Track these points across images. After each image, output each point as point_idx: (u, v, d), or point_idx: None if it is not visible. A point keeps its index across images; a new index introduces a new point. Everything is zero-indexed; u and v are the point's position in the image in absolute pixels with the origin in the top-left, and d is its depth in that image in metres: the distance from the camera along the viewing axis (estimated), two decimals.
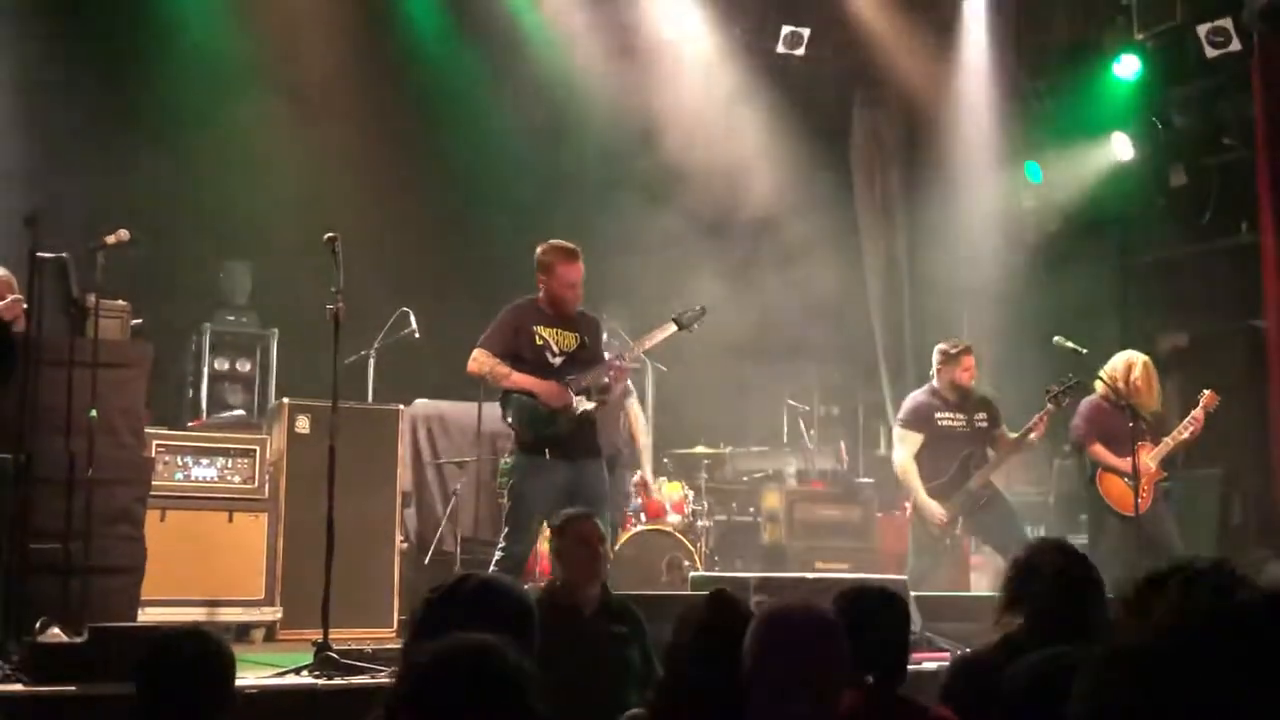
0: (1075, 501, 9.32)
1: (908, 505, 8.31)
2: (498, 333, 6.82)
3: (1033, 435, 8.03)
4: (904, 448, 8.16)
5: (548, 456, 6.69)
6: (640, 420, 9.14)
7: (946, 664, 4.40)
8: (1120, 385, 7.89)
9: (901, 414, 8.35)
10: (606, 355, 7.08)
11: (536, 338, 6.79)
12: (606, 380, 6.93)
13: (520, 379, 6.71)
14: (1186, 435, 8.00)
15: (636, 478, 9.07)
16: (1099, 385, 7.93)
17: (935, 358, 8.26)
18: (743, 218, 10.74)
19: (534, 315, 6.87)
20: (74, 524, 5.80)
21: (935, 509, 7.94)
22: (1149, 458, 7.89)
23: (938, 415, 8.12)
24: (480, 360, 6.76)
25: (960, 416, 8.12)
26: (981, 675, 3.33)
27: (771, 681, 2.77)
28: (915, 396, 8.38)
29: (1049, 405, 7.96)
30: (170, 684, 3.21)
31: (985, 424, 8.16)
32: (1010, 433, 8.14)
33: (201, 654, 3.27)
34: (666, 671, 3.48)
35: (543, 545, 7.66)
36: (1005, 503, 8.26)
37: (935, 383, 8.23)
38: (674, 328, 7.14)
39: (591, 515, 5.43)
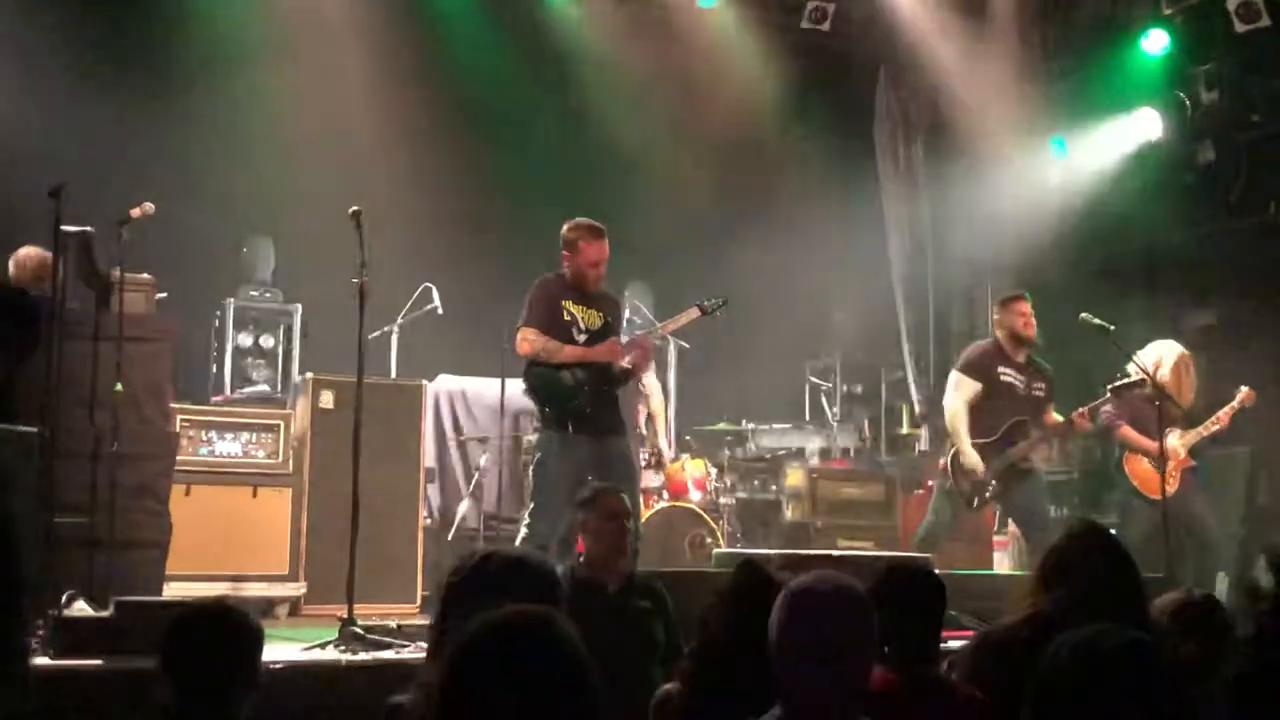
0: (1100, 480, 9.27)
1: (943, 461, 8.11)
2: (537, 309, 6.81)
3: (1075, 426, 7.89)
4: (958, 394, 7.87)
5: (571, 432, 6.69)
6: (656, 393, 9.08)
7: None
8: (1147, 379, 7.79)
9: (961, 360, 8.08)
10: (624, 338, 7.07)
11: (565, 313, 6.79)
12: (628, 364, 6.93)
13: (573, 351, 6.72)
14: (1217, 430, 7.94)
15: (647, 450, 8.99)
16: (1130, 370, 7.83)
17: (992, 311, 8.09)
18: (767, 194, 10.69)
19: (563, 290, 6.86)
20: (99, 498, 5.82)
21: (976, 461, 7.76)
22: (1179, 444, 7.83)
23: (1000, 368, 7.85)
24: (531, 339, 6.73)
25: (1021, 377, 7.86)
26: (1009, 652, 3.31)
27: (793, 654, 2.76)
28: (978, 345, 8.18)
29: (1108, 394, 7.78)
30: (196, 658, 3.20)
31: (1041, 394, 7.94)
32: (1056, 415, 7.99)
33: (227, 628, 3.26)
34: (699, 640, 3.49)
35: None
36: (1038, 481, 8.09)
37: (996, 335, 8.00)
38: (697, 313, 7.15)
39: (618, 490, 5.42)
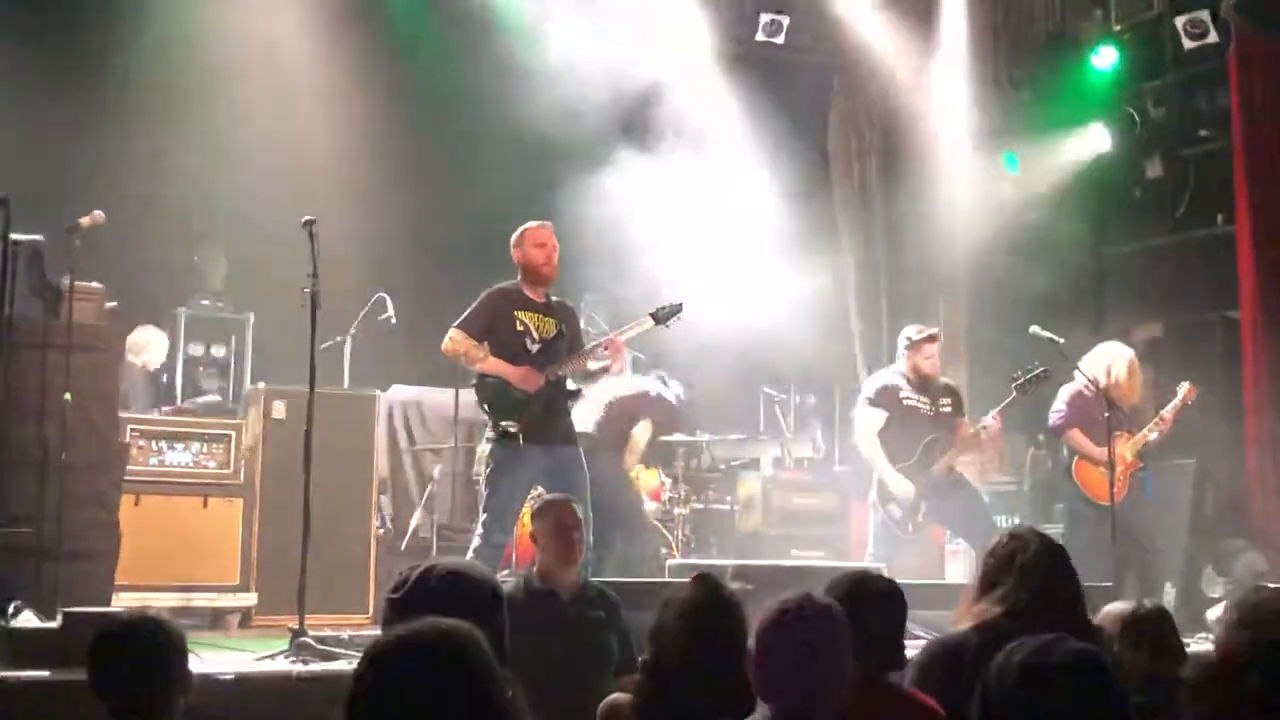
0: (1049, 491, 9.35)
1: (871, 492, 8.22)
2: (477, 314, 6.79)
3: (984, 437, 7.98)
4: (866, 424, 8.04)
5: (521, 443, 6.66)
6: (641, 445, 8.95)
7: None
8: (1102, 379, 7.86)
9: (865, 391, 8.24)
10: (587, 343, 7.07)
11: (517, 323, 6.76)
12: (591, 367, 6.92)
13: (494, 363, 6.68)
14: (1163, 429, 8.01)
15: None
16: (1078, 376, 7.91)
17: (900, 341, 8.18)
18: (720, 205, 10.71)
19: (516, 300, 6.83)
20: (47, 508, 5.77)
21: (903, 483, 7.86)
22: (1125, 448, 7.90)
23: (903, 395, 8.00)
24: (456, 340, 6.73)
25: (924, 399, 8.02)
26: (957, 661, 3.34)
27: (777, 676, 2.81)
28: (880, 375, 8.31)
29: (1014, 393, 7.91)
30: (118, 671, 3.22)
31: (949, 410, 8.08)
32: (969, 426, 8.09)
33: (146, 638, 3.26)
34: (653, 653, 3.49)
35: (517, 532, 7.67)
36: (971, 490, 8.21)
37: (900, 364, 8.15)
38: (650, 322, 7.13)
39: (569, 500, 5.43)
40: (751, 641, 2.91)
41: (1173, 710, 3.21)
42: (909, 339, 8.12)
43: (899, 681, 3.56)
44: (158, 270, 9.48)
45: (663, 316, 7.12)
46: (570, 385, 6.90)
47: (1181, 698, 2.84)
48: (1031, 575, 3.56)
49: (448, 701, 2.03)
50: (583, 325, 7.86)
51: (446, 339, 6.76)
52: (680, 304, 7.17)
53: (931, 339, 8.11)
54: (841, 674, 2.88)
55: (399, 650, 2.11)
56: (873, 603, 3.38)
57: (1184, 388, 8.10)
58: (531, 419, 6.65)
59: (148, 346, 8.84)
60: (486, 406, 6.79)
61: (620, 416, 8.12)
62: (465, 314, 6.81)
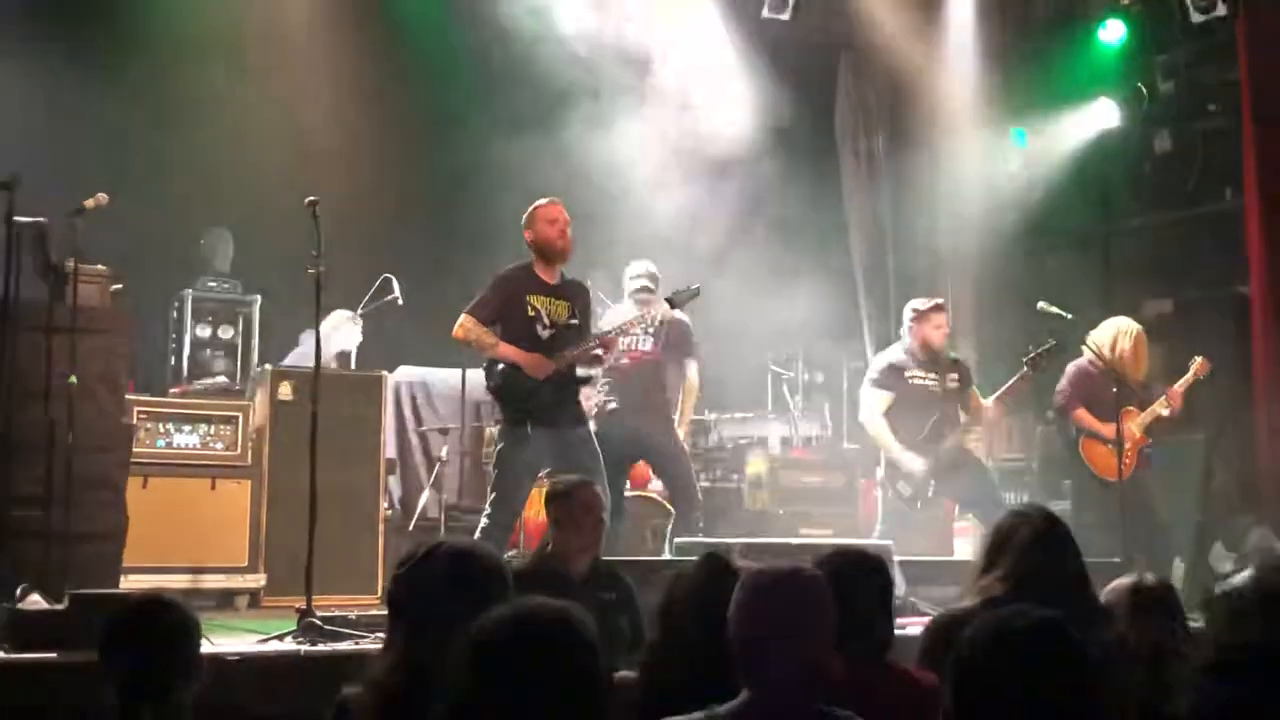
0: (1058, 467, 9.31)
1: (879, 469, 8.19)
2: (487, 300, 6.76)
3: (1006, 400, 7.95)
4: (872, 406, 7.99)
5: (529, 429, 6.64)
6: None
7: None
8: (1107, 354, 7.82)
9: (871, 371, 8.18)
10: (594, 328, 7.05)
11: (529, 308, 6.72)
12: (597, 353, 6.89)
13: (505, 349, 6.66)
14: (1173, 405, 7.97)
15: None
16: (1085, 351, 7.87)
17: (906, 315, 8.09)
18: (727, 182, 10.68)
19: (528, 283, 6.79)
20: (54, 490, 5.77)
21: (912, 459, 7.80)
22: (1134, 424, 7.87)
23: (908, 374, 7.93)
24: (467, 327, 6.71)
25: (932, 376, 7.94)
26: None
27: (753, 635, 2.77)
28: (885, 354, 8.23)
29: (1025, 369, 7.86)
30: (132, 654, 3.20)
31: (957, 384, 8.00)
32: (983, 396, 8.05)
33: (161, 621, 3.25)
34: (660, 632, 3.48)
35: (525, 513, 7.67)
36: (980, 466, 8.18)
37: (906, 341, 8.07)
38: (666, 307, 7.11)
39: (593, 483, 5.41)
40: (732, 604, 2.85)
41: (1175, 683, 3.21)
42: (916, 310, 8.04)
43: (907, 653, 3.55)
44: (164, 252, 9.47)
45: (679, 301, 7.09)
46: (580, 371, 6.87)
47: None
48: (1033, 552, 3.57)
49: (565, 682, 2.08)
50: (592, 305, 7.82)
51: (457, 325, 6.74)
52: (698, 287, 7.12)
53: (939, 308, 8.04)
54: (824, 652, 2.78)
55: (514, 632, 2.11)
56: (854, 577, 3.35)
57: (1196, 362, 8.05)
58: (541, 404, 6.64)
59: (331, 336, 8.60)
60: (496, 393, 6.78)
61: (656, 373, 7.91)
62: (476, 299, 6.78)
